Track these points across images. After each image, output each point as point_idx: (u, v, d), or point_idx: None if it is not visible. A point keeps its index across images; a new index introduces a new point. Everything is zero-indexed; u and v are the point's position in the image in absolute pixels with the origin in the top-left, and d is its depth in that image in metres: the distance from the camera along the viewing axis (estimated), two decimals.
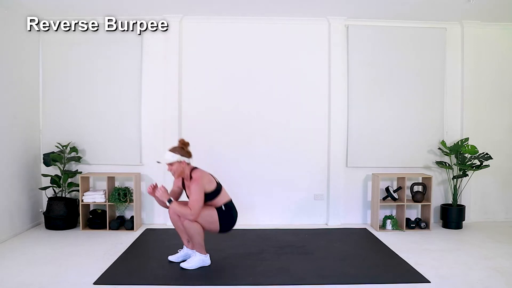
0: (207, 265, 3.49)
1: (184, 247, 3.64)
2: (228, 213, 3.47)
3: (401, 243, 4.25)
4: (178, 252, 3.66)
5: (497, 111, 5.25)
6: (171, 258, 3.61)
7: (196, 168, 3.53)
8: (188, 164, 3.50)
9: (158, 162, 3.61)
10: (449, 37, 5.18)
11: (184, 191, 3.65)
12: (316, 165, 5.11)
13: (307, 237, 4.45)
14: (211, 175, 3.55)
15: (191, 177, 3.44)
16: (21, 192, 4.62)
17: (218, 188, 3.48)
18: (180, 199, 3.65)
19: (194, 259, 3.46)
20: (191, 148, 5.24)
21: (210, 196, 3.42)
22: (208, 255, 3.52)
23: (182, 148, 3.50)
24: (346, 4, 4.59)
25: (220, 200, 3.46)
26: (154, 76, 5.03)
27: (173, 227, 4.83)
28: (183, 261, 3.54)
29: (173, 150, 3.46)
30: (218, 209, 3.43)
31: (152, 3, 4.56)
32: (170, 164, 3.43)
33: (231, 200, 3.56)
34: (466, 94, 5.16)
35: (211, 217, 3.41)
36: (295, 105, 5.09)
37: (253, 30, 5.06)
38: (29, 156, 4.80)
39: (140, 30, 4.94)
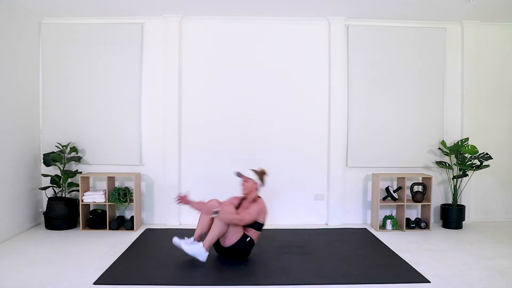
0: (201, 259, 3.52)
1: (191, 238, 3.67)
2: (246, 246, 3.64)
3: (401, 243, 4.26)
4: (184, 238, 3.67)
5: (497, 111, 5.26)
6: (176, 239, 3.63)
7: (260, 197, 3.86)
8: (258, 190, 3.86)
9: (237, 172, 3.89)
10: (449, 37, 5.18)
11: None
12: (316, 165, 5.11)
13: (307, 237, 4.45)
14: None
15: (253, 201, 3.79)
16: (21, 192, 4.62)
17: (262, 226, 3.74)
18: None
19: (195, 246, 3.52)
20: (191, 148, 5.28)
21: (253, 225, 3.66)
22: (207, 253, 3.54)
23: (262, 174, 3.91)
24: (346, 4, 4.59)
25: (253, 234, 3.68)
26: (154, 76, 5.03)
27: (173, 227, 4.86)
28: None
29: (254, 171, 3.87)
30: (244, 236, 3.61)
31: (152, 3, 4.57)
32: (246, 180, 3.80)
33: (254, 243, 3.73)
34: (466, 94, 5.16)
35: (235, 234, 3.57)
36: (295, 104, 5.09)
37: (253, 30, 5.06)
38: (29, 156, 4.80)
39: (140, 30, 4.98)
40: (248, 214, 3.60)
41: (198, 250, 3.50)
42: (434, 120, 5.16)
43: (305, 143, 5.10)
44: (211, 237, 3.52)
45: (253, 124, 5.07)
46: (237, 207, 3.80)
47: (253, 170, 3.86)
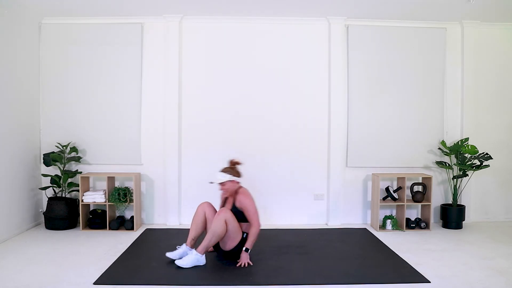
0: (201, 264, 3.50)
1: (184, 245, 3.63)
2: (245, 243, 3.59)
3: (401, 243, 4.26)
4: (176, 249, 3.66)
5: (497, 111, 5.26)
6: (169, 254, 3.60)
7: (241, 186, 3.73)
8: (238, 183, 3.71)
9: (211, 182, 3.74)
10: (449, 37, 5.18)
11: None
12: (316, 165, 5.11)
13: (307, 237, 4.45)
14: None
15: (236, 193, 3.65)
16: (21, 192, 4.61)
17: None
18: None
19: (190, 257, 3.46)
20: (191, 148, 5.26)
21: (245, 218, 3.60)
22: (204, 255, 3.53)
23: (232, 168, 3.70)
24: (346, 4, 4.59)
25: (246, 227, 3.62)
26: (154, 76, 5.03)
27: (172, 227, 4.86)
28: (180, 258, 3.54)
29: (225, 170, 3.66)
30: (242, 235, 3.59)
31: (152, 3, 4.57)
32: (222, 184, 3.62)
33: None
34: (466, 94, 5.16)
35: (236, 237, 3.54)
36: (295, 105, 5.09)
37: (253, 30, 5.06)
38: (29, 156, 4.80)
39: (140, 30, 4.98)
40: (254, 216, 3.54)
41: (193, 259, 3.44)
42: (434, 120, 5.16)
43: (305, 143, 5.10)
44: (207, 243, 3.45)
45: (253, 124, 5.07)
46: (223, 204, 3.76)
47: (225, 169, 3.68)
